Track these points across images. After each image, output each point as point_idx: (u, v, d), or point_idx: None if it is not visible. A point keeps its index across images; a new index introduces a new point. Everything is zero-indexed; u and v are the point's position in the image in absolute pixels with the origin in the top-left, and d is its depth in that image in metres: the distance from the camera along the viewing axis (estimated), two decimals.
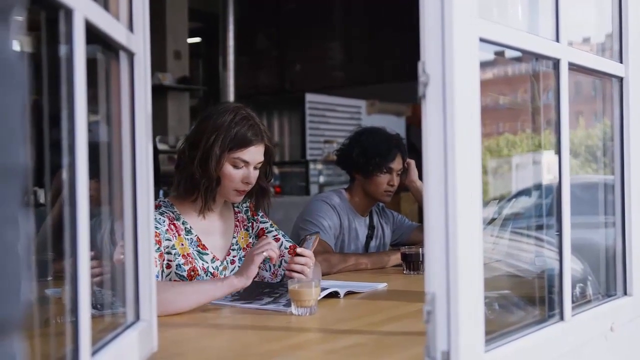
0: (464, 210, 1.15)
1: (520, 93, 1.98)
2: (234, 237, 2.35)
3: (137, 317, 1.35)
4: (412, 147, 3.21)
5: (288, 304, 1.90)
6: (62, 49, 0.99)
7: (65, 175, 0.99)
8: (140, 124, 1.35)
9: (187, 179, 2.20)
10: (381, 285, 2.33)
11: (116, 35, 1.22)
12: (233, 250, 2.33)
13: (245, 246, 2.36)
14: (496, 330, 1.32)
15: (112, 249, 1.45)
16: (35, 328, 1.10)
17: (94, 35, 1.08)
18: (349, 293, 2.17)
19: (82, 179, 0.99)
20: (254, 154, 2.20)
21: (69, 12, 0.98)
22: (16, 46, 0.60)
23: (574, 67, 1.55)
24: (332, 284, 2.17)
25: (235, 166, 2.19)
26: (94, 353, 1.06)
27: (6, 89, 0.56)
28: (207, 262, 2.22)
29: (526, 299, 1.67)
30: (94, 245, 1.06)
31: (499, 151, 1.79)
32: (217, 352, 1.59)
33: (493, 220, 1.94)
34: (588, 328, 1.60)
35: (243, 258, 2.31)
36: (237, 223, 2.38)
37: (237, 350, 1.58)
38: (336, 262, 2.74)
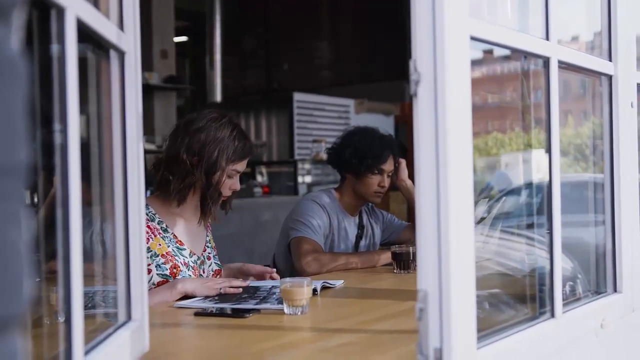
0: (455, 207, 1.15)
1: (509, 92, 1.98)
2: (207, 236, 2.44)
3: (129, 317, 1.34)
4: (401, 146, 3.21)
5: (280, 301, 1.90)
6: (54, 48, 0.99)
7: (57, 175, 0.98)
8: (131, 124, 1.35)
9: (189, 188, 2.25)
10: (338, 283, 2.35)
11: (107, 34, 1.21)
12: (208, 247, 2.42)
13: (213, 246, 2.47)
14: (488, 327, 1.33)
15: (101, 249, 1.45)
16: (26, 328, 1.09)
17: (83, 33, 1.08)
18: (324, 288, 2.22)
19: (75, 179, 0.98)
20: (245, 164, 2.33)
21: (60, 11, 0.97)
22: (17, 45, 0.60)
23: (563, 65, 1.55)
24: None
25: (230, 176, 2.28)
26: (86, 353, 1.05)
27: (10, 88, 0.56)
28: (186, 257, 2.28)
29: (517, 297, 1.68)
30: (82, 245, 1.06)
31: (487, 150, 1.79)
32: (208, 352, 1.59)
33: (483, 219, 1.95)
34: (579, 325, 1.61)
35: (216, 256, 2.45)
36: (208, 224, 2.46)
37: (229, 350, 1.58)
38: (326, 262, 2.74)
